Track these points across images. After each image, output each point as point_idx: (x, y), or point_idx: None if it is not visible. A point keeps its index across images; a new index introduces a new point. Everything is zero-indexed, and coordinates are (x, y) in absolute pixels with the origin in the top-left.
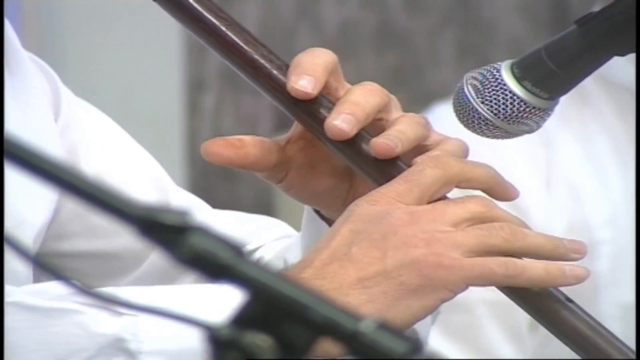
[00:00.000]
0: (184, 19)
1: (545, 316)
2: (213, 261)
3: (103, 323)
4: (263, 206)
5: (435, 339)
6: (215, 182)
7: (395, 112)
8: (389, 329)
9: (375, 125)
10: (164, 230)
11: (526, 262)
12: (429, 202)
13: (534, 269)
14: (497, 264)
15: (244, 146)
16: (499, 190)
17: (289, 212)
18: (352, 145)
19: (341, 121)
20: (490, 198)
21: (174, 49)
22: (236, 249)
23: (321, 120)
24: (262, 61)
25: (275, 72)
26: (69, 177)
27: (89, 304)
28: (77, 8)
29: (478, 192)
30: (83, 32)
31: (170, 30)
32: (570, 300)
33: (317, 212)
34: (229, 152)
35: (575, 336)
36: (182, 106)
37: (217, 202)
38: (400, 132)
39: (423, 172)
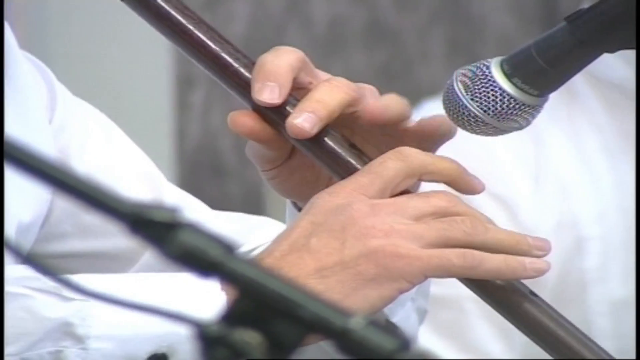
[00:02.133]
0: (151, 17)
1: (508, 309)
2: (203, 258)
3: (51, 307)
4: (252, 203)
5: (424, 336)
6: (204, 179)
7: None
8: (378, 327)
9: (351, 118)
10: (153, 227)
11: (485, 254)
12: (391, 195)
13: (492, 261)
14: (455, 255)
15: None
16: (463, 183)
17: (278, 209)
18: (314, 141)
19: (302, 120)
20: (456, 193)
21: (163, 46)
22: (226, 246)
23: (286, 118)
24: (229, 59)
25: (242, 70)
26: (59, 174)
27: (38, 288)
28: (65, 6)
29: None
30: (72, 29)
31: None
32: (534, 294)
33: (297, 206)
34: (254, 122)
35: (538, 329)
36: (171, 103)
37: (206, 199)
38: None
39: (385, 165)
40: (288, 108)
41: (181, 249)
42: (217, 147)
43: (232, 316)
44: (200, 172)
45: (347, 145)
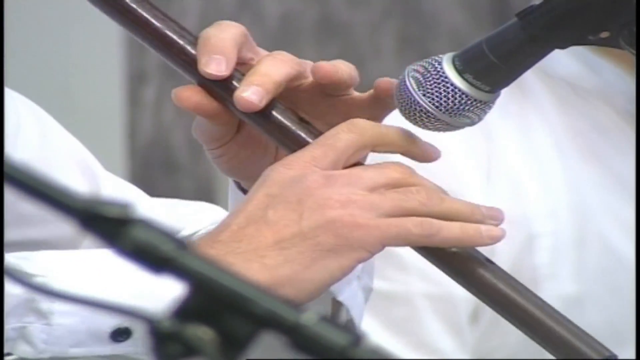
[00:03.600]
0: None
1: (465, 277)
2: (154, 254)
3: (14, 284)
4: (205, 198)
5: (376, 332)
6: (156, 174)
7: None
8: (330, 322)
9: (296, 92)
10: (105, 223)
11: (442, 222)
12: (345, 167)
13: (450, 229)
14: (413, 224)
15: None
16: (418, 151)
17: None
18: (263, 115)
19: (250, 93)
20: (410, 166)
21: (115, 41)
22: (178, 242)
23: (233, 92)
24: (174, 36)
25: (187, 47)
26: (8, 167)
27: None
28: (16, 0)
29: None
30: (22, 24)
31: (110, 23)
32: (490, 261)
33: (239, 186)
34: (200, 97)
35: (495, 295)
36: (123, 99)
37: (158, 195)
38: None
39: (338, 136)
40: (234, 82)
41: (133, 244)
42: (169, 142)
43: (185, 312)
44: (152, 168)
45: (296, 118)
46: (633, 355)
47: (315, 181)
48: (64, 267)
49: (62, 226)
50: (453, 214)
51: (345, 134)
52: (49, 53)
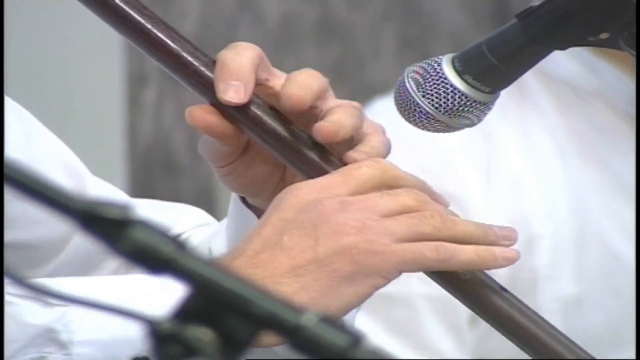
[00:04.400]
0: (109, 17)
1: (480, 304)
2: (154, 255)
3: (34, 314)
4: (204, 201)
5: (375, 333)
6: (156, 177)
7: (331, 100)
8: (330, 323)
9: (310, 114)
10: (105, 224)
11: (457, 246)
12: None
13: (464, 252)
14: (428, 249)
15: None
16: (432, 198)
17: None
18: (278, 138)
19: (298, 88)
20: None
21: (115, 43)
22: (178, 243)
23: (252, 117)
24: (189, 58)
25: (202, 68)
26: (7, 168)
27: (21, 295)
28: (15, 2)
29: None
30: (22, 26)
31: None
32: (505, 290)
33: (244, 200)
34: (213, 118)
35: (509, 324)
36: (123, 101)
37: (158, 197)
38: (340, 121)
39: (360, 170)
40: (252, 107)
41: (133, 246)
42: (169, 144)
43: (184, 313)
44: (152, 170)
45: (311, 144)
46: (633, 355)
47: (331, 206)
48: (83, 293)
49: (50, 228)
50: (467, 237)
51: (368, 169)
52: (49, 55)
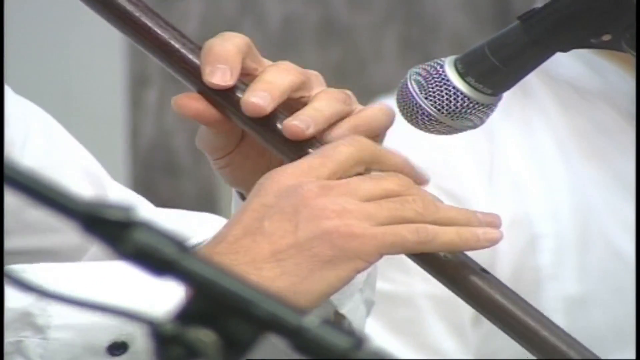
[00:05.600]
0: (96, 5)
1: (461, 286)
2: (157, 257)
3: (10, 298)
4: (206, 202)
5: (378, 333)
6: (158, 178)
7: (318, 88)
8: (332, 325)
9: (298, 103)
10: (107, 226)
11: (438, 227)
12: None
13: (446, 234)
14: (408, 231)
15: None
16: (410, 175)
17: (231, 208)
18: (267, 124)
19: (258, 98)
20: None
21: (117, 44)
22: (180, 245)
23: (236, 102)
24: (176, 44)
25: (189, 55)
26: (11, 171)
27: None
28: (17, 2)
29: None
30: (24, 27)
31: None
32: (486, 271)
33: (242, 196)
34: (200, 104)
35: (491, 306)
36: (125, 102)
37: (160, 198)
38: (315, 110)
39: (337, 149)
40: (236, 92)
41: (135, 247)
42: (171, 145)
43: (187, 314)
44: (154, 171)
45: None
46: (635, 355)
47: (311, 190)
48: (64, 279)
49: (67, 235)
50: (449, 222)
51: (346, 147)
52: (50, 56)
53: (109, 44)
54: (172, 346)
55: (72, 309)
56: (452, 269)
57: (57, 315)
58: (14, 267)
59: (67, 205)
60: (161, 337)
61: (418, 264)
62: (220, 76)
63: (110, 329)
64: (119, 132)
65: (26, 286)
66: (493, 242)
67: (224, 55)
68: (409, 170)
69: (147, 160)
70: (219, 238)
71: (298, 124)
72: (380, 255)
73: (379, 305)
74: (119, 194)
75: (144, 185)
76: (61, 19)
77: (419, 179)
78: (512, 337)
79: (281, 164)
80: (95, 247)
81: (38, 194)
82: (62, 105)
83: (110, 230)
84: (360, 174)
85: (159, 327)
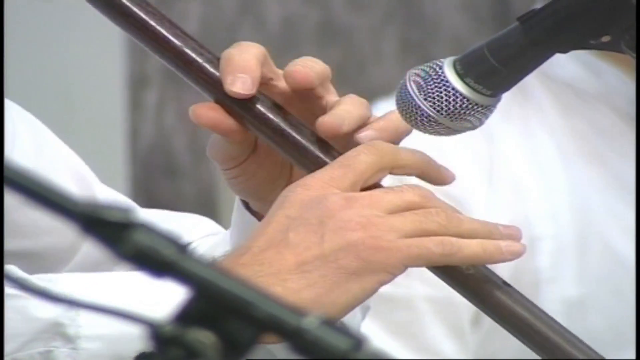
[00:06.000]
0: (114, 15)
1: (482, 299)
2: (156, 258)
3: (41, 307)
4: (206, 204)
5: (377, 335)
6: (157, 180)
7: (334, 94)
8: (332, 326)
9: (315, 104)
10: (106, 227)
11: (462, 240)
12: (363, 188)
13: (470, 247)
14: (433, 244)
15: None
16: (434, 174)
17: (230, 209)
18: (281, 133)
19: (301, 66)
20: (428, 188)
21: (116, 45)
22: (179, 246)
23: (256, 113)
24: (193, 55)
25: (206, 65)
26: (9, 172)
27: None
28: (17, 3)
29: (414, 180)
30: (23, 28)
31: (112, 27)
32: (507, 284)
33: (246, 205)
34: (217, 114)
35: (512, 318)
36: (124, 103)
37: (159, 200)
38: (346, 111)
39: (358, 158)
40: (256, 103)
41: (134, 249)
42: (171, 147)
43: (186, 316)
44: (153, 172)
45: (314, 139)
46: (634, 357)
47: (336, 202)
48: (87, 287)
49: (57, 237)
50: (472, 235)
51: (365, 156)
52: (50, 57)
53: (108, 45)
54: (171, 347)
55: (100, 319)
56: (475, 282)
57: (87, 325)
58: (41, 277)
59: (66, 206)
60: (161, 338)
61: (441, 277)
62: (241, 85)
63: (139, 339)
64: (118, 134)
65: (50, 296)
66: (516, 255)
67: (243, 65)
68: (431, 171)
69: (146, 161)
70: (242, 249)
71: (334, 120)
72: (405, 268)
73: (378, 307)
74: (107, 196)
75: (143, 186)
76: (61, 20)
77: (442, 178)
78: (535, 351)
79: (293, 173)
80: (85, 246)
81: (36, 195)
82: (62, 106)
83: (110, 232)
84: (379, 182)
85: (159, 328)
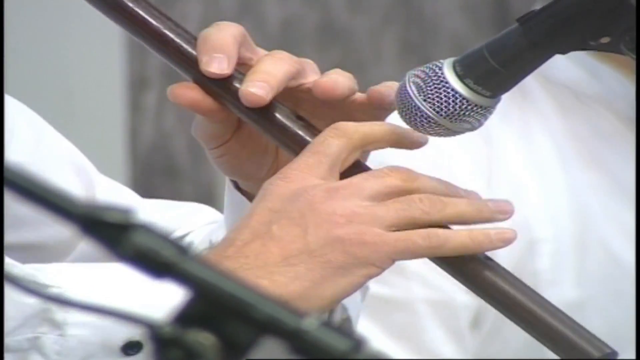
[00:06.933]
0: None
1: (464, 274)
2: (156, 259)
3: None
4: (205, 203)
5: (376, 337)
6: (157, 180)
7: (314, 76)
8: (331, 327)
9: (296, 91)
10: (106, 228)
11: (449, 231)
12: (341, 171)
13: (457, 238)
14: (420, 237)
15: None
16: (407, 142)
17: None
18: (263, 113)
19: (257, 88)
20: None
21: (116, 46)
22: (179, 247)
23: (234, 92)
24: (171, 35)
25: (184, 45)
26: (8, 172)
27: (16, 275)
28: (17, 4)
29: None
30: (22, 28)
31: (112, 28)
32: (489, 258)
33: (236, 185)
34: (196, 94)
35: (495, 292)
36: (124, 104)
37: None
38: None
39: (327, 143)
40: (232, 81)
41: (134, 250)
42: (171, 148)
43: (186, 317)
44: (153, 173)
45: (294, 117)
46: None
47: (316, 195)
48: (77, 278)
49: (58, 229)
50: (458, 217)
51: (334, 139)
52: (49, 58)
53: (108, 46)
54: (171, 349)
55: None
56: (457, 258)
57: (75, 311)
58: (30, 266)
59: (65, 207)
60: (160, 339)
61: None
62: (217, 65)
63: (127, 327)
64: (118, 135)
65: (31, 290)
66: (507, 242)
67: (220, 45)
68: (403, 139)
69: (146, 162)
70: (227, 242)
71: (329, 81)
72: (393, 261)
73: (377, 309)
74: (106, 187)
75: (143, 187)
76: (61, 21)
77: (415, 144)
78: (518, 324)
79: (277, 151)
80: (83, 242)
81: (36, 196)
82: (62, 107)
83: (109, 233)
84: (358, 160)
85: (158, 329)
